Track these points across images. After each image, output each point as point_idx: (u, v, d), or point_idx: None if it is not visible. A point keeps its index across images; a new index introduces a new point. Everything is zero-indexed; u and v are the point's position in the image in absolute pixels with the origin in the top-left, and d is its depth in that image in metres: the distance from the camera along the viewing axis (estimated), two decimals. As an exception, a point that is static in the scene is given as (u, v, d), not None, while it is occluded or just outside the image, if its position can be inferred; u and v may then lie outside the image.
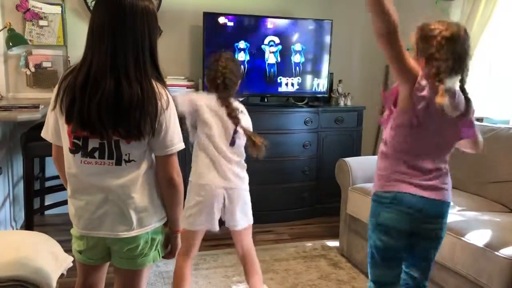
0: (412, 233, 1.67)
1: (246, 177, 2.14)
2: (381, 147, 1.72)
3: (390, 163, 1.67)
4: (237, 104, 2.11)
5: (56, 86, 1.33)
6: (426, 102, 1.54)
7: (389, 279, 1.74)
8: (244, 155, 2.13)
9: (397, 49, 1.48)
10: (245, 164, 2.14)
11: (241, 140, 2.08)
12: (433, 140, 1.63)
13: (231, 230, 2.14)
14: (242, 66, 2.18)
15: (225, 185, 2.04)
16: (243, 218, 2.11)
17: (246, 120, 2.13)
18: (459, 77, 1.61)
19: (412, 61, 1.55)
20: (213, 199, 2.02)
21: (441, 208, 1.68)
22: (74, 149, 1.33)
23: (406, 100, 1.57)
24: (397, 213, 1.64)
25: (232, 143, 2.05)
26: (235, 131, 2.05)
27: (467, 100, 1.65)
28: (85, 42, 1.31)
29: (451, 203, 1.74)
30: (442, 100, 1.49)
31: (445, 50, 1.54)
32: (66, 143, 1.35)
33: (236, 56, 3.56)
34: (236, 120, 2.04)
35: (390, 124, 1.67)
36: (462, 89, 1.64)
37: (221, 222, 2.10)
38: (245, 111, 2.15)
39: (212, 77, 2.06)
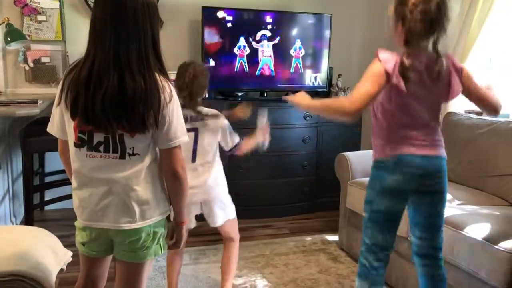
0: (415, 191, 1.73)
1: (219, 174, 2.20)
2: (373, 122, 1.79)
3: (385, 133, 1.73)
4: (206, 110, 2.14)
5: (61, 82, 1.35)
6: (400, 78, 1.60)
7: (389, 243, 1.79)
8: (214, 150, 2.17)
9: (370, 102, 1.62)
10: (217, 160, 2.20)
11: (204, 140, 2.12)
12: (423, 105, 1.68)
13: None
14: (209, 74, 2.22)
15: (203, 196, 2.14)
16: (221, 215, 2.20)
17: (215, 123, 2.15)
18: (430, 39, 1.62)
19: (371, 80, 1.60)
20: (190, 204, 2.06)
21: (439, 163, 1.73)
22: (79, 143, 1.35)
23: (389, 91, 1.64)
24: (402, 174, 1.69)
25: (193, 159, 2.12)
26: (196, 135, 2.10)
27: (439, 57, 1.66)
28: (88, 37, 1.32)
29: (451, 197, 1.76)
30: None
31: (419, 10, 1.56)
32: (71, 137, 1.37)
33: (236, 50, 3.56)
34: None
35: (379, 108, 1.73)
36: (436, 50, 1.65)
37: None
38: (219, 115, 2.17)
39: (179, 87, 2.08)
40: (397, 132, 1.70)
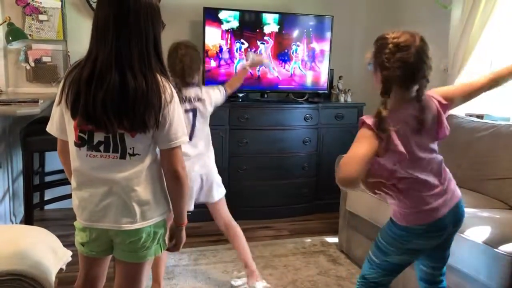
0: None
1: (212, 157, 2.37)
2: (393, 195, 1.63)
3: (407, 200, 1.59)
4: (194, 91, 2.25)
5: (62, 81, 1.35)
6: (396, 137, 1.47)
7: (389, 282, 1.74)
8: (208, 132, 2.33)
9: (368, 163, 1.45)
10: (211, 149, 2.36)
11: (198, 124, 2.26)
12: (422, 156, 1.57)
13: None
14: (199, 53, 2.32)
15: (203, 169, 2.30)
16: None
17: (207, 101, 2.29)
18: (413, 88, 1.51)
19: (361, 142, 1.46)
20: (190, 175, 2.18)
21: (461, 210, 1.66)
22: (79, 143, 1.35)
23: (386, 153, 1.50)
24: (428, 239, 1.61)
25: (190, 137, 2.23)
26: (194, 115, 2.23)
27: (423, 107, 1.54)
28: (90, 37, 1.33)
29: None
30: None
31: (397, 57, 1.45)
32: (71, 137, 1.37)
33: (237, 51, 3.56)
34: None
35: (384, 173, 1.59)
36: (419, 99, 1.52)
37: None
38: (206, 96, 2.29)
39: (171, 64, 2.15)
40: (417, 195, 1.57)
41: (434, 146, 1.62)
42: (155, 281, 2.33)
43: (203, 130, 2.31)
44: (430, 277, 1.80)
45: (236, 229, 2.43)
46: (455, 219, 1.65)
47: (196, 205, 2.34)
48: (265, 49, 2.44)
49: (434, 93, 1.62)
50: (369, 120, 1.48)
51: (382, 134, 1.44)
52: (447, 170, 1.68)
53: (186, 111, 2.20)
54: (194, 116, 2.24)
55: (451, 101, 1.63)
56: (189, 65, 2.17)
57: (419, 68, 1.48)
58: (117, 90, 1.27)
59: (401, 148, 1.47)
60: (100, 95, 1.27)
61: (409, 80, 1.49)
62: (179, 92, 2.13)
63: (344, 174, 1.39)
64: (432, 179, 1.59)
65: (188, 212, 2.14)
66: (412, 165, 1.55)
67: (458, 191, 1.68)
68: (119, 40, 1.28)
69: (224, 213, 2.43)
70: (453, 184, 1.67)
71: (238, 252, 2.47)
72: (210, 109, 2.32)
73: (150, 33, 1.32)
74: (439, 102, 1.59)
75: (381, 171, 1.58)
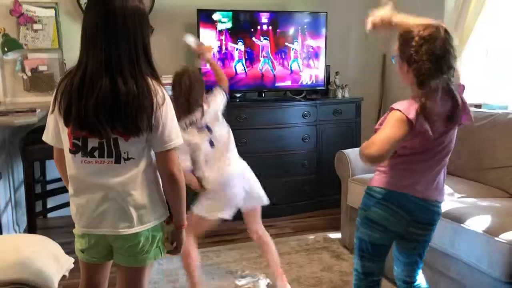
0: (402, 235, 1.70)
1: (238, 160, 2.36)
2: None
3: (394, 171, 1.65)
4: (197, 113, 2.20)
5: (55, 90, 1.36)
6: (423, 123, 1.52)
7: (378, 270, 1.76)
8: (228, 137, 2.30)
9: (391, 148, 1.51)
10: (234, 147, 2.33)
11: (218, 132, 2.24)
12: (441, 148, 1.62)
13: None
14: (203, 81, 2.28)
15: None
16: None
17: (212, 111, 2.26)
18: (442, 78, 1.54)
19: (393, 125, 1.52)
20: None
21: (437, 210, 1.69)
22: (74, 150, 1.36)
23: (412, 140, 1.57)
24: (385, 209, 1.65)
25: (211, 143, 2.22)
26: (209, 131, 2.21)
27: (453, 97, 1.58)
28: (79, 45, 1.34)
29: (451, 190, 1.74)
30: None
31: (424, 50, 1.51)
32: (66, 144, 1.38)
33: (232, 51, 3.56)
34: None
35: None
36: (449, 89, 1.56)
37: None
38: (212, 109, 2.26)
39: (176, 97, 2.12)
40: (408, 176, 1.63)
41: (453, 137, 1.66)
42: (192, 285, 2.27)
43: (222, 133, 2.27)
44: (403, 277, 1.82)
45: (268, 238, 2.43)
46: (423, 216, 1.65)
47: None
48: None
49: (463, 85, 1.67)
50: (400, 106, 1.53)
51: (421, 123, 1.51)
52: (444, 177, 1.71)
53: (198, 131, 2.19)
54: (208, 128, 2.22)
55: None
56: (193, 98, 2.15)
57: (446, 58, 1.53)
58: (108, 96, 1.28)
59: (429, 131, 1.52)
60: (91, 102, 1.28)
61: (438, 71, 1.53)
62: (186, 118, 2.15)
63: (376, 152, 1.48)
64: (427, 176, 1.63)
65: (224, 219, 2.20)
66: (422, 158, 1.61)
67: (443, 196, 1.71)
68: (108, 46, 1.29)
69: (259, 221, 2.43)
70: (442, 186, 1.69)
71: (269, 263, 2.45)
72: (217, 111, 2.28)
73: (139, 38, 1.33)
74: (458, 84, 1.64)
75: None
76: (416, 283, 1.81)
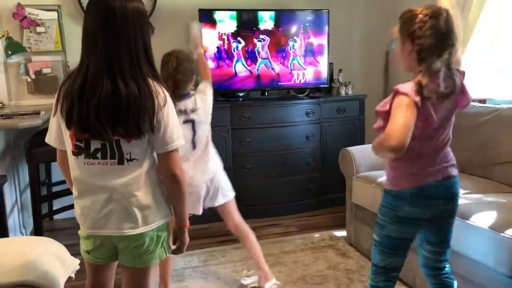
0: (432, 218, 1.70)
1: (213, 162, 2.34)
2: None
3: (404, 164, 1.65)
4: (189, 102, 2.20)
5: (57, 92, 1.37)
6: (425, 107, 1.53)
7: (398, 265, 1.75)
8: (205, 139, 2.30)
9: (412, 130, 1.49)
10: (211, 148, 2.33)
11: (200, 130, 2.23)
12: (443, 128, 1.64)
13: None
14: (194, 60, 2.28)
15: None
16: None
17: (201, 112, 2.25)
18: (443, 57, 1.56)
19: (408, 114, 1.50)
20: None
21: (455, 186, 1.70)
22: (77, 152, 1.37)
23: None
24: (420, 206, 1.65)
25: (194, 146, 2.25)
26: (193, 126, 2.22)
27: (454, 77, 1.59)
28: (81, 47, 1.34)
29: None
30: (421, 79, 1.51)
31: (428, 26, 1.51)
32: (69, 146, 1.38)
33: (235, 51, 3.56)
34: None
35: None
36: (449, 68, 1.58)
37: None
38: (201, 105, 2.24)
39: (164, 78, 2.08)
40: (417, 162, 1.63)
41: (453, 118, 1.67)
42: (162, 282, 2.34)
43: (203, 134, 2.29)
44: (432, 262, 1.81)
45: (246, 230, 2.44)
46: (446, 194, 1.67)
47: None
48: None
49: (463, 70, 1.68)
50: (405, 88, 1.52)
51: (421, 102, 1.50)
52: (450, 150, 1.72)
53: (184, 122, 2.18)
54: (193, 125, 2.22)
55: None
56: (180, 79, 2.12)
57: (449, 35, 1.54)
58: (109, 98, 1.28)
59: (433, 114, 1.54)
60: (92, 104, 1.28)
61: (441, 47, 1.54)
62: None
63: (398, 142, 1.46)
64: (433, 157, 1.65)
65: (191, 214, 2.17)
66: (429, 135, 1.61)
67: (455, 170, 1.71)
68: (108, 48, 1.29)
69: (234, 215, 2.42)
70: (452, 162, 1.70)
71: (250, 254, 2.48)
72: (208, 113, 2.29)
73: (139, 39, 1.33)
74: (458, 70, 1.65)
75: None
76: (445, 270, 1.80)
